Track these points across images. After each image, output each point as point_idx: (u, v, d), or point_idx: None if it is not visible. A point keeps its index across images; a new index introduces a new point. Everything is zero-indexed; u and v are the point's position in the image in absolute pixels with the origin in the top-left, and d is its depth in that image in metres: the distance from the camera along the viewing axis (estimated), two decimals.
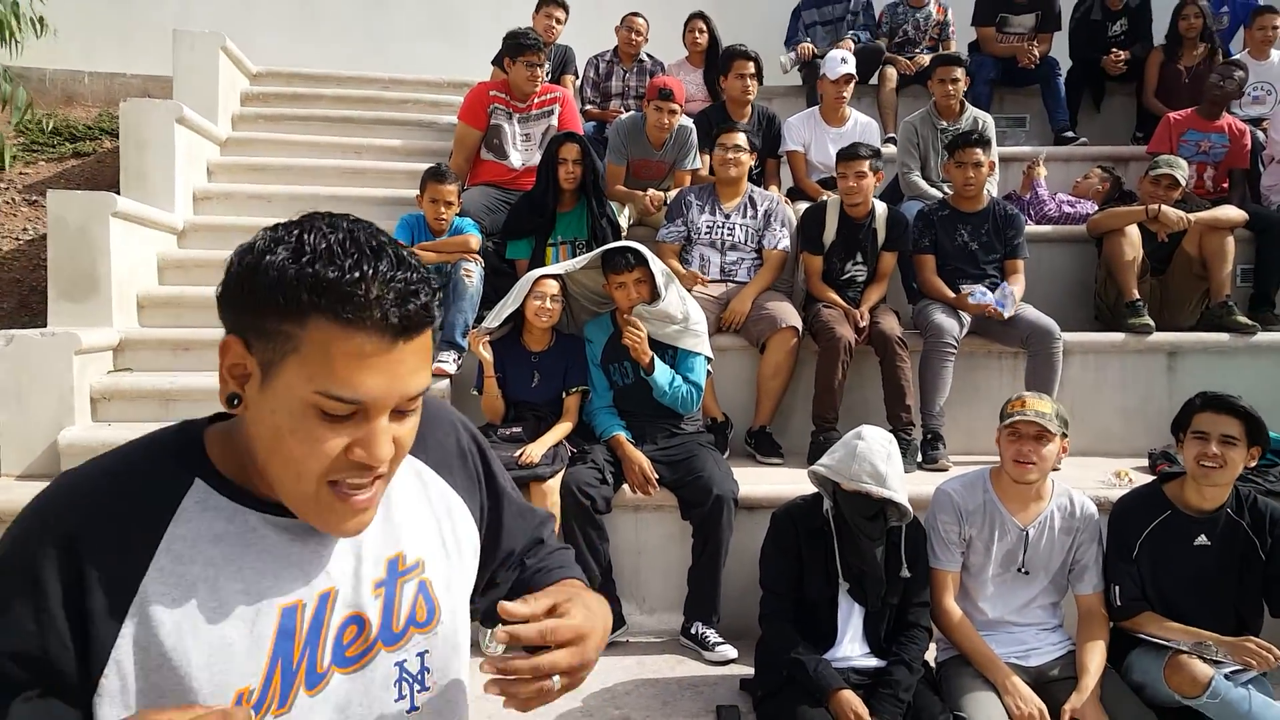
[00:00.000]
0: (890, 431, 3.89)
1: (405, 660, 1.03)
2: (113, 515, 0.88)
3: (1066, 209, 5.12)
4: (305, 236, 0.86)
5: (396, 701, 1.02)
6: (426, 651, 1.05)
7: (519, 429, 3.52)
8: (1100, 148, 5.79)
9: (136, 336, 3.94)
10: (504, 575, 1.25)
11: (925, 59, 6.09)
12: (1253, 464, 2.72)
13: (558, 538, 3.19)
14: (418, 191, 4.20)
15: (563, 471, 3.37)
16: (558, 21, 5.62)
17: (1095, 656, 2.70)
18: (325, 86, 6.03)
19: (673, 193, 4.66)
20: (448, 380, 3.87)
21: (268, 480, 0.92)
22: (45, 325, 3.84)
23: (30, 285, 4.70)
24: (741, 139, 4.36)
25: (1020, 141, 6.09)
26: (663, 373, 3.57)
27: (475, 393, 3.66)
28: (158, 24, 6.12)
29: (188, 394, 3.71)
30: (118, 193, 4.44)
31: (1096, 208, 4.97)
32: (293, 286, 0.84)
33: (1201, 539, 2.75)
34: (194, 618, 0.88)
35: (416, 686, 1.04)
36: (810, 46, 6.12)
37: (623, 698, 2.96)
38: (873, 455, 2.66)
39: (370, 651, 1.00)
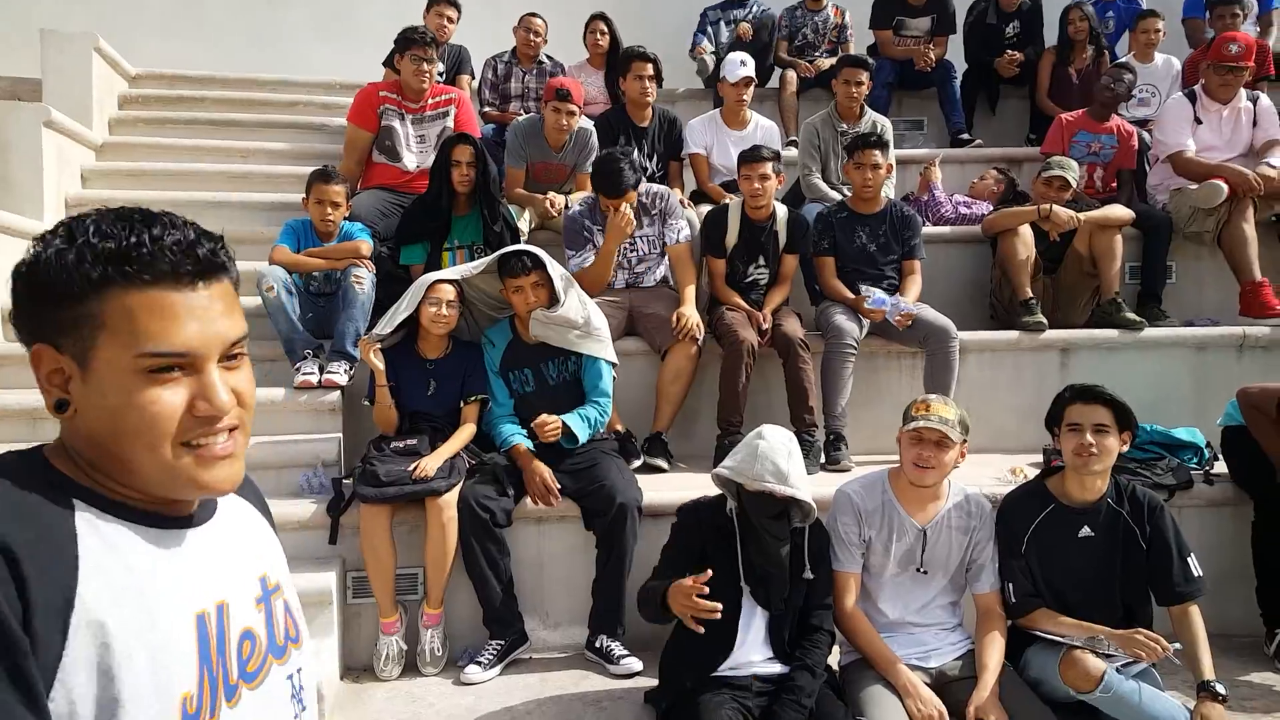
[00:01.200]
0: (795, 433, 3.94)
1: (292, 675, 1.06)
2: (32, 526, 0.85)
3: (963, 210, 5.25)
4: (72, 226, 0.89)
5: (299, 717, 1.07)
6: (301, 668, 1.09)
7: (414, 441, 3.40)
8: (995, 149, 5.96)
9: (3, 353, 3.69)
10: None
11: (825, 62, 6.18)
12: (1125, 448, 2.80)
13: (456, 552, 3.13)
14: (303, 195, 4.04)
15: (460, 484, 3.28)
16: (450, 20, 5.52)
17: (994, 654, 2.73)
18: (209, 88, 5.79)
19: (574, 197, 4.60)
20: (339, 392, 3.72)
21: (128, 476, 0.91)
22: None
23: None
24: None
25: (918, 144, 6.22)
26: (580, 428, 3.48)
27: (367, 403, 3.53)
28: (32, 24, 5.78)
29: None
30: None
31: (991, 208, 5.10)
32: (77, 268, 0.87)
33: (1085, 530, 2.82)
34: (132, 622, 0.87)
35: (299, 706, 1.07)
36: (749, 26, 6.15)
37: (524, 718, 2.88)
38: (774, 454, 2.64)
39: (265, 666, 1.01)
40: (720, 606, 2.52)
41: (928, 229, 4.88)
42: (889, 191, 4.83)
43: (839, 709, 2.66)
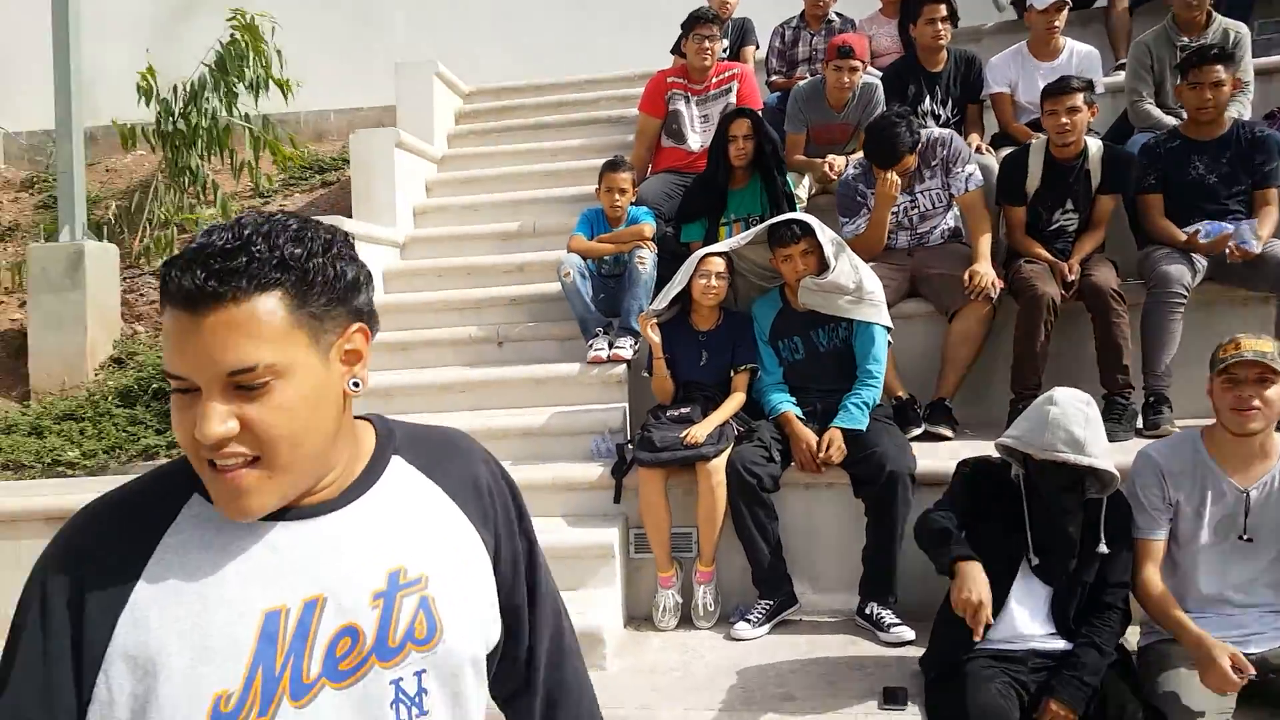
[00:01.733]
0: (1105, 396, 3.55)
1: (402, 679, 0.98)
2: (111, 534, 0.94)
3: None
4: (197, 237, 0.92)
5: None
6: (424, 671, 0.99)
7: (687, 409, 3.57)
8: None
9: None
10: (510, 645, 1.16)
11: None
12: None
13: (723, 519, 3.24)
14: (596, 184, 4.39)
15: (728, 450, 3.39)
16: None
17: None
18: (527, 96, 6.44)
19: (841, 162, 4.48)
20: (625, 365, 4.00)
21: None
22: None
23: None
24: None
25: None
26: (857, 421, 3.39)
27: (645, 375, 3.76)
28: (388, 60, 6.85)
29: (403, 389, 4.16)
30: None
31: None
32: (162, 281, 0.91)
33: None
34: (179, 622, 0.91)
35: (415, 710, 0.99)
36: None
37: (788, 676, 2.93)
38: (1068, 420, 2.42)
39: (364, 666, 0.96)
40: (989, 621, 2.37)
41: None
42: (1239, 111, 4.11)
43: (1125, 693, 2.40)
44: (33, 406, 4.87)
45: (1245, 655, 2.37)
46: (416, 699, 0.99)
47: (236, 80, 5.96)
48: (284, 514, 0.96)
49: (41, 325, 5.11)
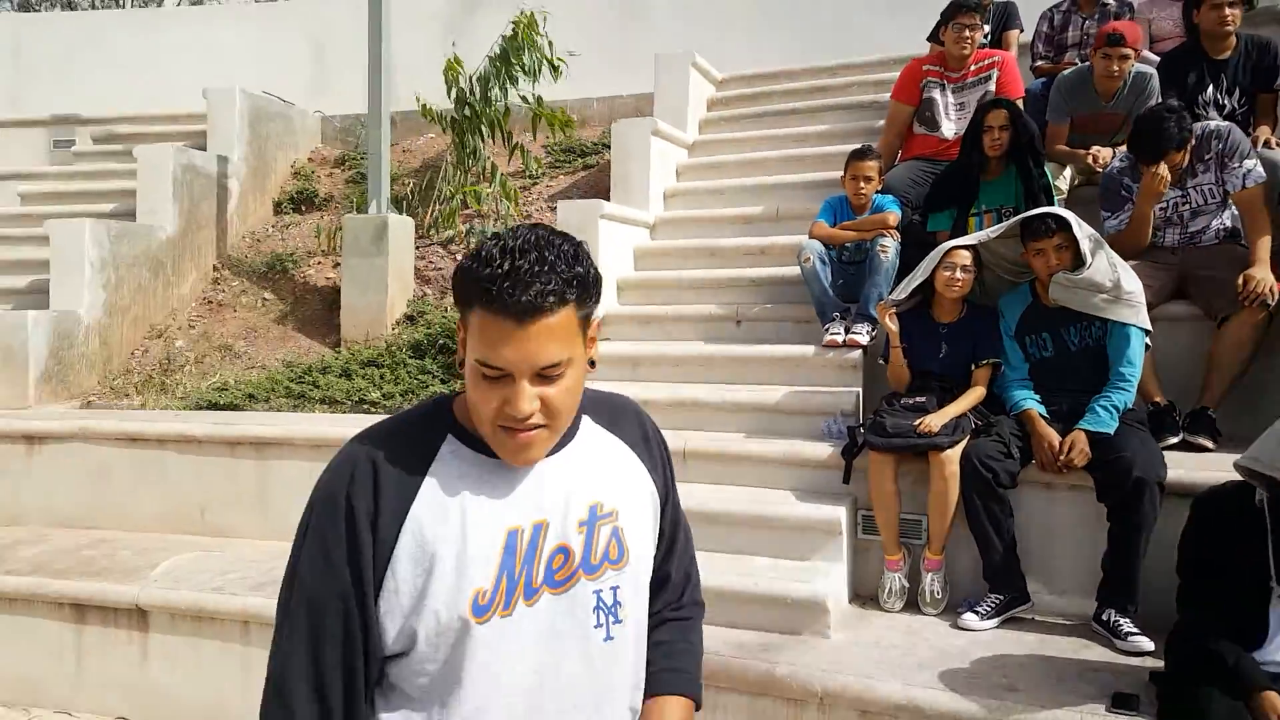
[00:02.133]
0: None
1: (601, 590, 1.22)
2: (398, 456, 1.19)
3: None
4: (488, 245, 1.15)
5: (596, 628, 1.22)
6: (619, 586, 1.25)
7: (923, 399, 3.59)
8: None
9: (614, 313, 4.82)
10: (664, 568, 1.45)
11: None
12: None
13: (955, 510, 3.26)
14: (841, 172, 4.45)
15: (964, 442, 3.39)
16: None
17: None
18: (779, 82, 6.53)
19: (1105, 153, 4.24)
20: (860, 350, 4.07)
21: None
22: None
23: None
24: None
25: None
26: (1106, 425, 3.27)
27: (882, 362, 3.81)
28: (648, 49, 7.19)
29: (649, 359, 4.46)
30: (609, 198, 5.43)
31: None
32: (465, 286, 1.15)
33: None
34: (447, 535, 1.16)
35: (611, 618, 1.23)
36: None
37: (1013, 669, 2.93)
38: None
39: (573, 578, 1.21)
40: None
41: None
42: None
43: None
44: (342, 353, 5.66)
45: None
46: (613, 608, 1.24)
47: (516, 66, 6.50)
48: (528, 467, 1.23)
49: (351, 284, 5.90)
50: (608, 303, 4.89)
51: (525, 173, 6.89)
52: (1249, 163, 3.71)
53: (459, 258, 6.22)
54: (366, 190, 6.40)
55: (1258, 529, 2.45)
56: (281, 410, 5.15)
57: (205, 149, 6.87)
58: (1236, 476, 2.60)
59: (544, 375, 1.14)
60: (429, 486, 1.18)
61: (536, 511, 1.22)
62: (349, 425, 4.56)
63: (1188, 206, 3.84)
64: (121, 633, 3.84)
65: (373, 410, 5.01)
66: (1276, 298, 3.47)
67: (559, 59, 6.56)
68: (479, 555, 1.17)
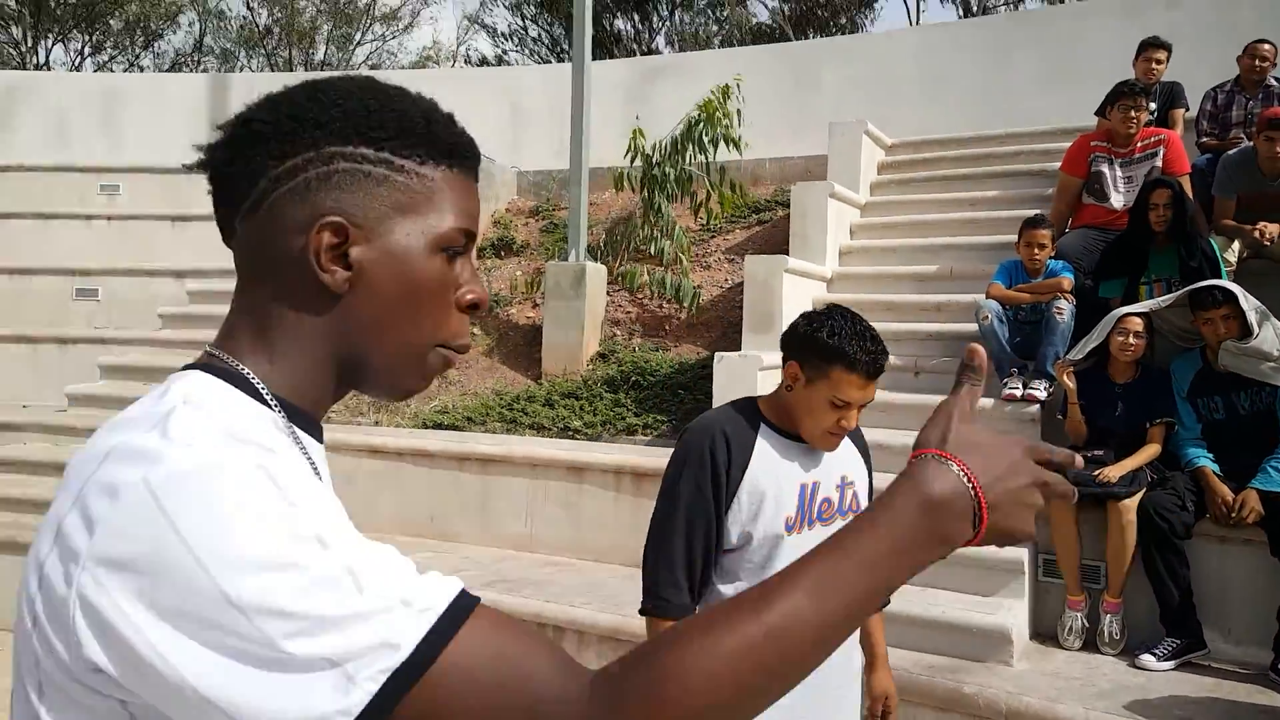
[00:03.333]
0: None
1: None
2: (737, 433, 1.82)
3: None
4: (835, 323, 1.76)
5: None
6: None
7: (1100, 452, 3.80)
8: None
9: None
10: None
11: None
12: None
13: (1132, 556, 3.46)
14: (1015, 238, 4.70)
15: (1141, 493, 3.58)
16: (1158, 63, 5.50)
17: None
18: (947, 149, 6.80)
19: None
20: (1039, 405, 4.29)
21: (795, 425, 1.81)
22: (740, 350, 5.29)
23: (728, 321, 6.39)
24: None
25: None
26: (1273, 484, 3.46)
27: (1060, 417, 4.04)
28: (818, 113, 7.58)
29: None
30: (786, 252, 5.82)
31: None
32: (830, 350, 1.73)
33: None
34: (769, 483, 1.79)
35: None
36: None
37: (1189, 706, 3.11)
38: None
39: (832, 518, 1.86)
40: None
41: None
42: None
43: None
44: (544, 384, 6.24)
45: None
46: None
47: (705, 137, 7.01)
48: (805, 441, 1.85)
49: (552, 324, 6.49)
50: None
51: (706, 227, 7.38)
52: None
53: (644, 301, 6.81)
54: (564, 239, 7.01)
55: None
56: (495, 432, 5.74)
57: None
58: None
59: (860, 406, 1.80)
60: (758, 453, 1.82)
61: (814, 476, 1.86)
62: (559, 449, 5.10)
63: None
64: None
65: (576, 436, 5.54)
66: None
67: (739, 135, 7.00)
68: (787, 497, 1.82)
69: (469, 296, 0.78)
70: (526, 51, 21.94)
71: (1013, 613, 3.56)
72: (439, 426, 5.85)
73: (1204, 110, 5.47)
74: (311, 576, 0.59)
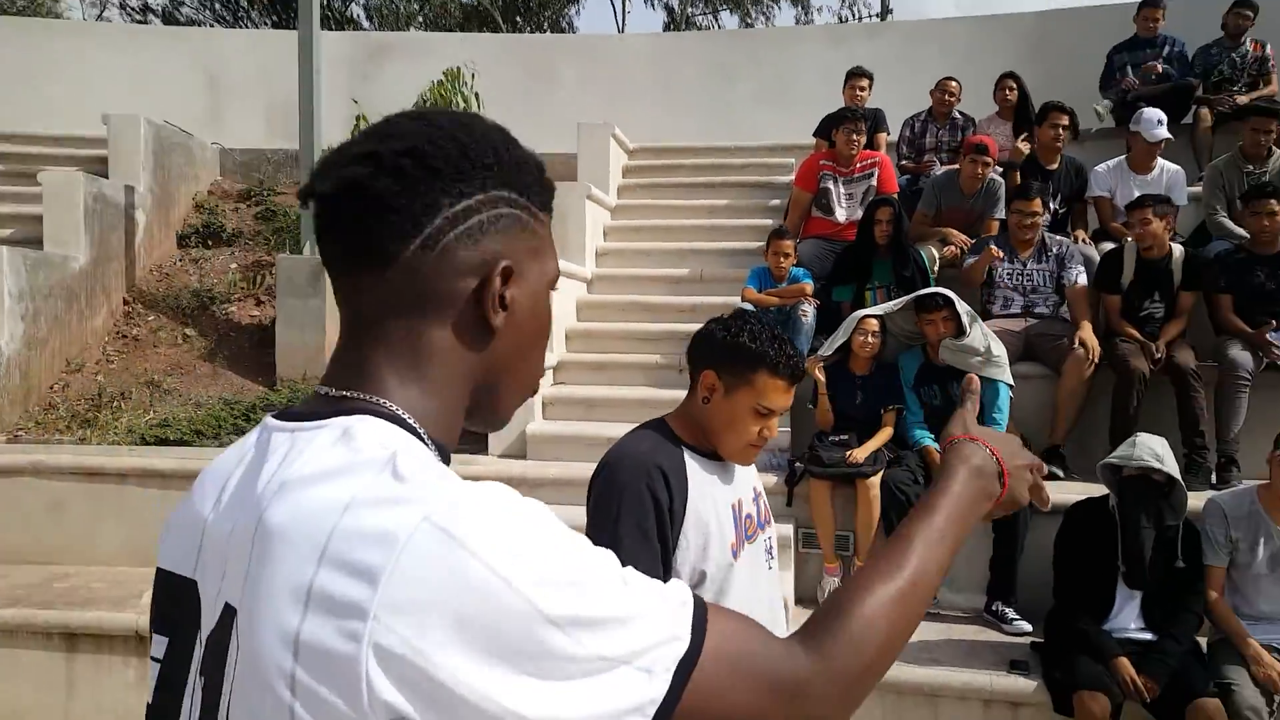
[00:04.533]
0: (1185, 455, 4.44)
1: (765, 540, 1.90)
2: (667, 462, 1.75)
3: None
4: (754, 329, 1.78)
5: (766, 559, 1.91)
6: (771, 537, 1.93)
7: (846, 436, 4.51)
8: None
9: (567, 360, 5.47)
10: None
11: (1244, 98, 6.24)
12: None
13: (877, 524, 4.17)
14: (759, 244, 5.37)
15: (882, 471, 4.32)
16: (861, 90, 6.59)
17: None
18: (685, 157, 7.46)
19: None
20: None
21: (713, 441, 1.79)
22: None
23: None
24: (1037, 205, 5.01)
25: None
26: None
27: (810, 406, 4.71)
28: (556, 110, 7.90)
29: (602, 402, 5.14)
30: None
31: None
32: (753, 354, 1.76)
33: None
34: (708, 509, 1.75)
35: (770, 556, 1.91)
36: (1157, 65, 6.52)
37: (932, 647, 3.85)
38: (1151, 443, 3.40)
39: (755, 533, 1.87)
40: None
41: None
42: None
43: (1200, 676, 3.26)
44: (283, 391, 5.92)
45: None
46: (771, 552, 1.93)
47: None
48: (721, 458, 1.85)
49: (287, 324, 6.16)
50: (558, 350, 5.54)
51: None
52: (1079, 268, 4.97)
53: None
54: (287, 229, 6.67)
55: (1110, 527, 3.50)
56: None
57: (105, 176, 6.82)
58: (1084, 497, 3.66)
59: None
60: (692, 482, 1.76)
61: (736, 493, 1.87)
62: None
63: (1029, 281, 5.03)
64: (117, 659, 4.02)
65: None
66: (1096, 356, 4.64)
67: None
68: (724, 521, 1.79)
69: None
70: (209, 12, 19.91)
71: (783, 582, 4.13)
72: (162, 442, 5.34)
73: (904, 137, 6.58)
74: (598, 584, 0.67)
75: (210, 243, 7.35)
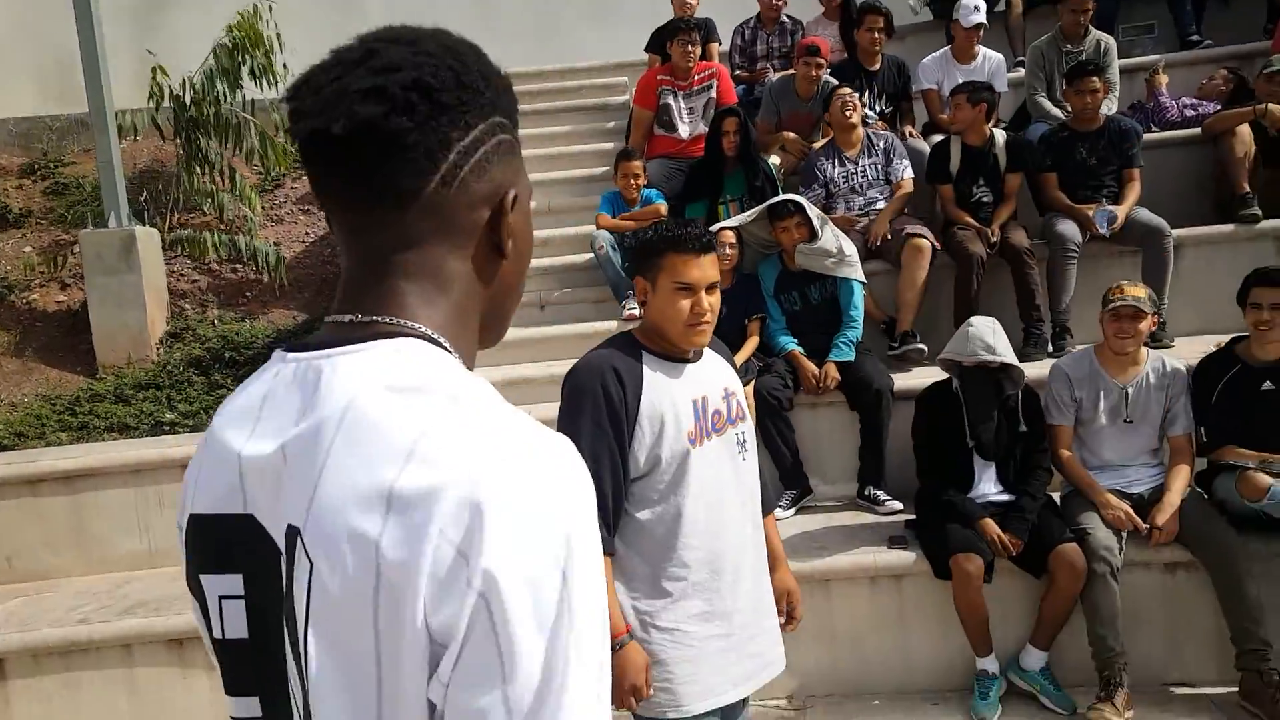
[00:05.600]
0: (1024, 328, 4.91)
1: (738, 434, 2.19)
2: (623, 365, 2.08)
3: (1189, 113, 5.79)
4: (657, 226, 2.17)
5: (739, 452, 2.20)
6: (744, 431, 2.22)
7: None
8: (1224, 49, 6.33)
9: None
10: None
11: None
12: None
13: (756, 435, 4.42)
14: (604, 169, 5.47)
15: (754, 380, 4.58)
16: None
17: (1179, 480, 3.68)
18: (515, 84, 7.35)
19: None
20: None
21: (665, 335, 2.10)
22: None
23: (321, 277, 6.33)
24: (847, 90, 5.32)
25: (1148, 49, 6.68)
26: (846, 355, 4.60)
27: None
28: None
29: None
30: None
31: (1219, 107, 5.62)
32: (655, 243, 2.12)
33: (1267, 384, 3.66)
34: (664, 404, 2.06)
35: (744, 451, 2.22)
36: None
37: (817, 536, 4.17)
38: (982, 334, 3.73)
39: (724, 427, 2.17)
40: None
41: (1152, 134, 5.52)
42: (1111, 106, 5.52)
43: (1057, 524, 3.69)
44: (107, 379, 5.62)
45: (1128, 493, 3.75)
46: (744, 445, 2.22)
47: (241, 67, 6.64)
48: (685, 360, 2.16)
49: (101, 306, 5.81)
50: None
51: (266, 175, 7.07)
52: (904, 162, 5.33)
53: (213, 267, 6.33)
54: (84, 201, 6.23)
55: (956, 406, 3.87)
56: (64, 444, 5.10)
57: None
58: (934, 381, 4.03)
59: (709, 289, 2.11)
60: (647, 380, 2.08)
61: (700, 389, 2.15)
62: (166, 446, 4.74)
63: (864, 179, 5.37)
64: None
65: (175, 430, 5.16)
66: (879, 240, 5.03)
67: (283, 65, 6.75)
68: (684, 415, 2.08)
69: None
70: None
71: None
72: None
73: (735, 45, 6.75)
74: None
75: None
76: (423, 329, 0.80)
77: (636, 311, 5.12)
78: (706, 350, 2.28)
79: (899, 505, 4.36)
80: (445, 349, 0.81)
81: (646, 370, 2.08)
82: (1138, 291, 3.72)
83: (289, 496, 0.74)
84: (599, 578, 0.73)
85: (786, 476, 4.54)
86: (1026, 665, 3.69)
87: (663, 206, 5.38)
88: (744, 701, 2.28)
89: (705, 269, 2.07)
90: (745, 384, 4.51)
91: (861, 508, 4.49)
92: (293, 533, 0.73)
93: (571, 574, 0.70)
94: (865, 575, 3.88)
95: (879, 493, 4.45)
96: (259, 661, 0.79)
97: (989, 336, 3.72)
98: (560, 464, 0.74)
